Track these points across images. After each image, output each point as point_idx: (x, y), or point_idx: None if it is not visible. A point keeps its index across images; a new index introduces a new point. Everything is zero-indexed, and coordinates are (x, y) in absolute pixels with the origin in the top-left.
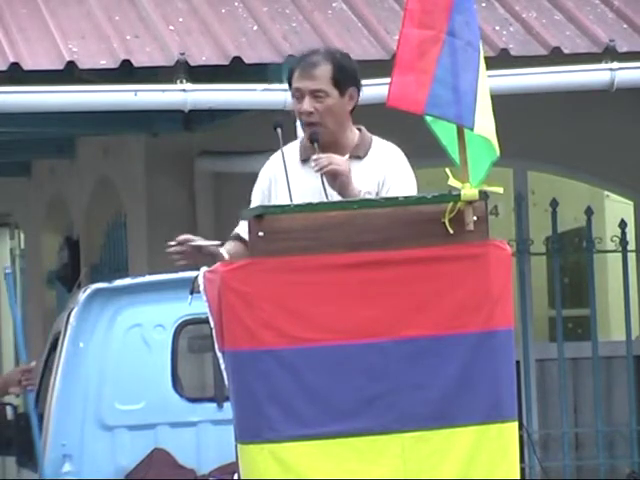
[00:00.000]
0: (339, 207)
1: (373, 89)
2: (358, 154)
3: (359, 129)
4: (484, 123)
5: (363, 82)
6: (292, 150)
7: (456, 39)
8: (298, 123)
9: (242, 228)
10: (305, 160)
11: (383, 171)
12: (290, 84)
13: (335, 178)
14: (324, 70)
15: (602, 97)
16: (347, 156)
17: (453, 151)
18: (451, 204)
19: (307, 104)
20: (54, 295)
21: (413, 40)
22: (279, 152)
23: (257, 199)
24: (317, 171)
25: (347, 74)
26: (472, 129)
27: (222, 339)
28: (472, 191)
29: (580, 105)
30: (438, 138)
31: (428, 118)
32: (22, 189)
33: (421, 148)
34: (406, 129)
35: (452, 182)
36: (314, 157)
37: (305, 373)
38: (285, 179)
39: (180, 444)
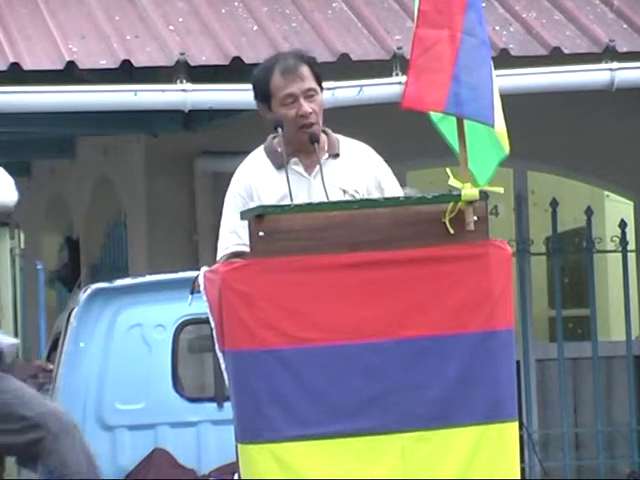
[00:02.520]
0: (339, 207)
1: (374, 89)
2: (335, 152)
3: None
4: (499, 121)
5: (363, 82)
6: (258, 159)
7: (472, 37)
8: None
9: (230, 242)
10: (281, 166)
11: (371, 169)
12: (267, 95)
13: None
14: (305, 69)
15: (602, 97)
16: (326, 155)
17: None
18: (451, 204)
19: (306, 106)
20: (54, 295)
21: (427, 41)
22: (252, 157)
23: (234, 206)
24: None
25: (318, 69)
26: (493, 126)
27: (222, 339)
28: (473, 191)
29: (580, 105)
30: (445, 137)
31: (434, 117)
32: (22, 189)
33: (421, 148)
34: (405, 129)
35: (452, 182)
36: None
37: (305, 373)
38: (269, 185)
39: (180, 444)
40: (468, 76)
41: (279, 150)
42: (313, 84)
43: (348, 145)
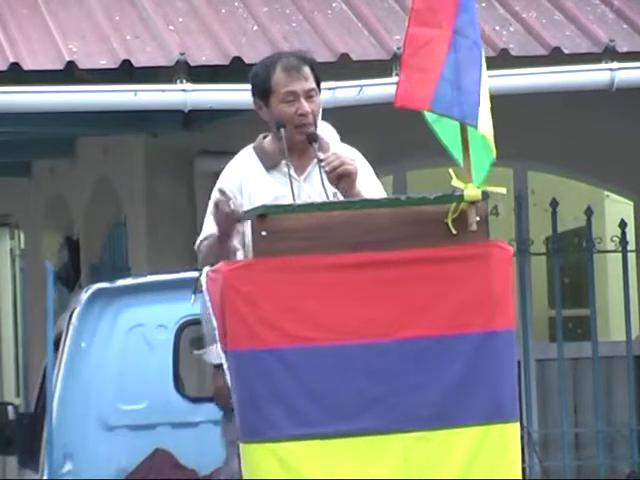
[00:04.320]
0: (341, 207)
1: (374, 89)
2: None
3: None
4: (485, 123)
5: (363, 82)
6: (248, 158)
7: (463, 38)
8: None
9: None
10: (272, 167)
11: None
12: (267, 91)
13: (341, 179)
14: (307, 70)
15: (602, 97)
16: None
17: (455, 150)
18: (454, 204)
19: (306, 105)
20: (55, 295)
21: (419, 39)
22: (242, 157)
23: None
24: (329, 171)
25: (318, 71)
26: (476, 127)
27: (225, 339)
28: (475, 191)
29: (580, 105)
30: (439, 137)
31: (429, 117)
32: (22, 189)
33: (421, 148)
34: (405, 129)
35: (455, 182)
36: (323, 156)
37: (307, 373)
38: (259, 185)
39: (182, 444)
40: (456, 76)
41: (270, 150)
42: (314, 85)
43: (337, 149)
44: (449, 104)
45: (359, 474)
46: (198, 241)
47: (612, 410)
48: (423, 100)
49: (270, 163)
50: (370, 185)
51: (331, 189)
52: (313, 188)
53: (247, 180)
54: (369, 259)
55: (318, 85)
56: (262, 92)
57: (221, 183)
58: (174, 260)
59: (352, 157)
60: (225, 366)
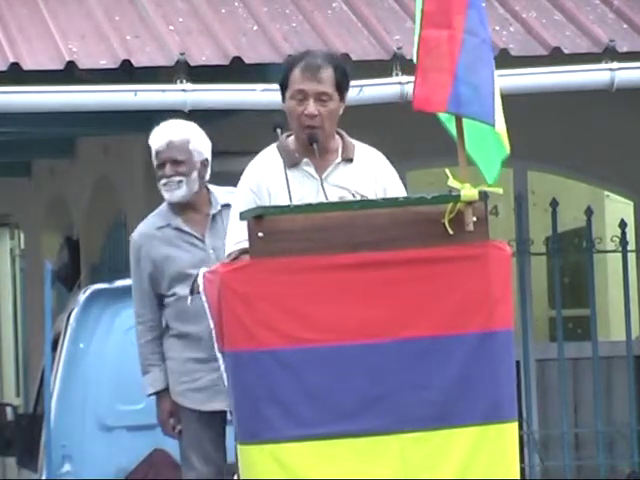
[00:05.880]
0: (339, 208)
1: (374, 89)
2: (350, 157)
3: (337, 133)
4: (500, 121)
5: (363, 82)
6: (271, 156)
7: (473, 37)
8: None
9: (240, 237)
10: (293, 166)
11: (374, 174)
12: (285, 84)
13: None
14: (328, 73)
15: (602, 97)
16: (339, 159)
17: (470, 149)
18: (451, 205)
19: (312, 107)
20: (54, 295)
21: (432, 41)
22: (265, 155)
23: (244, 200)
24: None
25: (347, 78)
26: (493, 126)
27: (222, 340)
28: (472, 191)
29: (580, 105)
30: (454, 137)
31: (443, 117)
32: (22, 189)
33: (421, 148)
34: (405, 129)
35: (452, 183)
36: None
37: (305, 374)
38: (280, 184)
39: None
40: (470, 76)
41: (292, 149)
42: (329, 89)
43: (362, 151)
44: (465, 104)
45: (357, 474)
46: (232, 245)
47: (612, 410)
48: (440, 103)
49: (291, 161)
50: (396, 190)
51: (349, 190)
52: (333, 188)
53: (268, 179)
54: (367, 259)
55: (340, 89)
56: (282, 84)
57: (244, 181)
58: None
59: (377, 160)
60: (222, 367)
